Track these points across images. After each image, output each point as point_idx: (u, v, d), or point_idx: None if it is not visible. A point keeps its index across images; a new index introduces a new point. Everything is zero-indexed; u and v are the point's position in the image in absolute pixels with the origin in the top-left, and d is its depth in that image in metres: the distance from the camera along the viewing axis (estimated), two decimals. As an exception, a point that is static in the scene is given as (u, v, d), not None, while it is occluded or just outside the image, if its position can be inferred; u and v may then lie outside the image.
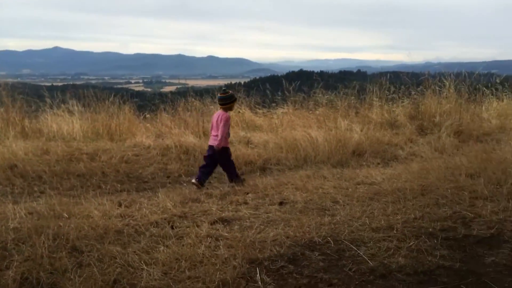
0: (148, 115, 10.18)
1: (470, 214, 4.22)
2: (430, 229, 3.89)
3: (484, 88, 11.74)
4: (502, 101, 11.63)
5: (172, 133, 8.48)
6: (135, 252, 3.51)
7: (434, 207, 4.46)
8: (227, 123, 5.78)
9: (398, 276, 3.11)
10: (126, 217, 4.44)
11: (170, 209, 4.70)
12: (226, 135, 5.79)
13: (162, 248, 3.61)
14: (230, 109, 6.16)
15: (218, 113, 5.98)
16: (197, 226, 4.17)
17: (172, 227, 4.17)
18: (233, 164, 6.05)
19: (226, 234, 3.92)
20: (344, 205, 4.69)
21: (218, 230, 4.05)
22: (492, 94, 11.76)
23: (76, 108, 9.33)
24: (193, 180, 5.79)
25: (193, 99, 9.95)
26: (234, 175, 5.95)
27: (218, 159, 5.86)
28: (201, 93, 10.80)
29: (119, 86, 37.63)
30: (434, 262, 3.27)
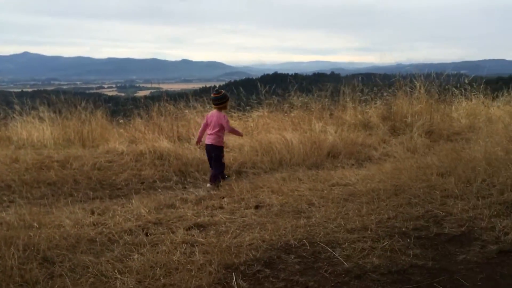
0: (121, 121, 10.03)
1: (441, 212, 4.31)
2: (403, 229, 3.95)
3: (454, 89, 12.05)
4: (471, 101, 11.95)
5: (146, 138, 8.36)
6: (108, 261, 3.44)
7: (407, 207, 4.54)
8: (228, 120, 6.08)
9: (373, 276, 3.14)
10: (99, 225, 4.35)
11: (144, 215, 4.63)
12: (223, 134, 6.06)
13: (136, 256, 3.56)
14: (225, 108, 6.33)
15: (213, 113, 6.10)
16: (172, 232, 4.13)
17: (146, 234, 4.11)
18: (223, 165, 6.16)
19: (202, 240, 3.90)
20: (319, 207, 4.72)
21: (193, 235, 4.02)
22: (461, 94, 12.08)
23: (46, 114, 9.11)
24: (208, 185, 6.06)
25: (167, 104, 9.86)
26: (218, 175, 6.02)
27: (213, 156, 6.01)
28: (175, 97, 10.71)
29: (92, 91, 37.05)
30: (407, 261, 3.32)
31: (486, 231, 3.81)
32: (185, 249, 3.70)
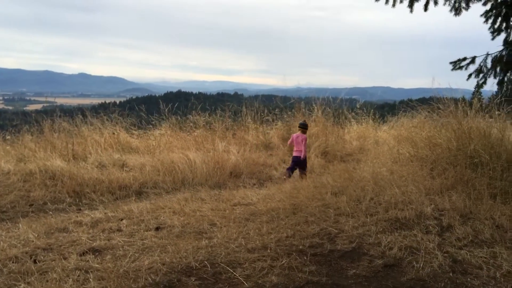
0: (8, 137, 9.19)
1: (335, 230, 4.58)
2: (301, 247, 4.13)
3: (347, 112, 13.01)
4: (362, 124, 12.98)
5: (37, 156, 7.76)
6: (-12, 293, 3.11)
7: (304, 225, 4.74)
8: (306, 141, 8.01)
9: (272, 294, 3.22)
10: (-22, 253, 3.92)
11: (32, 241, 4.29)
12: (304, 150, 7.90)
13: (22, 285, 3.28)
14: (306, 132, 8.18)
15: (297, 134, 7.98)
16: (64, 258, 3.87)
17: (34, 261, 3.80)
18: (306, 168, 7.90)
19: (97, 265, 3.69)
20: (221, 227, 4.74)
21: (88, 261, 3.80)
22: (353, 118, 13.08)
23: None
24: (285, 177, 7.61)
25: (61, 119, 9.26)
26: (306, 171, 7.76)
27: (303, 165, 7.84)
28: (71, 112, 10.12)
29: (-26, 103, 33.50)
30: (303, 278, 3.46)
31: (373, 246, 4.12)
32: (78, 276, 3.48)
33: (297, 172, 7.90)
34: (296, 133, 8.06)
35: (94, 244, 4.25)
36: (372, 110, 13.71)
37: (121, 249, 4.12)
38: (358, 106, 13.80)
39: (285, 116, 11.56)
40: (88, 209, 5.86)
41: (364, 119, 13.27)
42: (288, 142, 8.35)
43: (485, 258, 3.80)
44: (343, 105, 13.27)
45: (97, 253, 4.03)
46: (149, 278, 3.44)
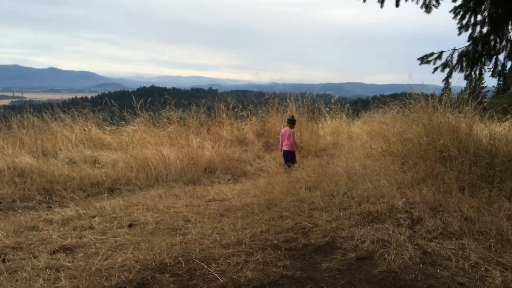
0: (-26, 133, 8.89)
1: (309, 224, 4.62)
2: (275, 241, 4.15)
3: (322, 108, 13.12)
4: (336, 120, 13.12)
5: (5, 153, 7.53)
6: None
7: (279, 220, 4.77)
8: (294, 135, 8.14)
9: (246, 289, 3.23)
10: None
11: (1, 240, 4.19)
12: (295, 143, 8.12)
13: (-11, 286, 3.16)
14: (294, 127, 8.34)
15: (285, 129, 8.10)
16: (34, 257, 3.78)
17: (3, 261, 3.72)
18: (295, 160, 8.08)
19: (69, 264, 3.62)
20: (195, 223, 4.72)
21: (59, 260, 3.72)
22: (327, 113, 13.20)
23: None
24: (287, 169, 7.68)
25: (30, 115, 9.01)
26: (294, 163, 7.91)
27: (290, 157, 7.96)
28: (41, 108, 9.85)
29: None
30: (278, 272, 3.48)
31: (346, 240, 4.18)
32: (49, 275, 3.40)
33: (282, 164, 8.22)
34: (284, 128, 8.23)
35: (65, 242, 4.17)
36: (347, 105, 13.88)
37: (93, 247, 4.05)
38: (333, 102, 13.95)
39: (259, 111, 11.57)
40: (58, 206, 5.73)
41: (338, 114, 13.42)
42: (280, 139, 8.44)
43: (454, 249, 3.90)
44: (317, 101, 13.38)
45: (68, 252, 3.95)
46: (122, 275, 3.39)
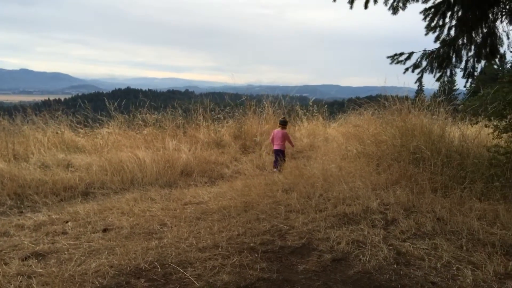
0: None
1: (285, 226, 4.64)
2: (252, 244, 4.15)
3: (299, 110, 13.22)
4: (312, 122, 13.23)
5: (-27, 157, 7.31)
6: None
7: (255, 222, 4.77)
8: (288, 135, 8.62)
9: (223, 293, 3.22)
10: None
11: (-31, 247, 4.03)
12: (291, 142, 8.70)
13: (-44, 296, 3.06)
14: (286, 128, 8.78)
15: (277, 130, 8.54)
16: (5, 264, 3.68)
17: (-29, 269, 3.57)
18: (284, 160, 8.29)
19: (41, 270, 3.53)
20: (171, 227, 4.68)
21: (31, 266, 3.63)
22: (304, 115, 13.30)
23: None
24: (274, 169, 8.02)
25: (1, 118, 8.78)
26: (283, 161, 8.14)
27: (280, 156, 8.24)
28: (11, 110, 9.61)
29: None
30: (254, 275, 3.48)
31: (323, 241, 4.21)
32: (20, 282, 3.31)
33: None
34: (276, 129, 8.64)
35: (37, 248, 4.07)
36: (325, 107, 14.02)
37: (66, 252, 3.97)
38: (310, 104, 14.07)
39: (236, 114, 11.56)
40: (30, 211, 5.59)
41: (314, 116, 13.53)
42: (270, 138, 8.91)
43: (427, 249, 3.98)
44: (293, 103, 13.47)
45: (40, 258, 3.86)
46: (96, 281, 3.33)
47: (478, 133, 7.03)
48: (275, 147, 8.45)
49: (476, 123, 7.83)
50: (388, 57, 6.95)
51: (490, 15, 6.65)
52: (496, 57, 6.74)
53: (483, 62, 7.06)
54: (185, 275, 3.48)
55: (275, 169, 8.04)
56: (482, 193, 5.40)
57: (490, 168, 5.79)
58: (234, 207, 5.32)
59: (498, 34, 6.70)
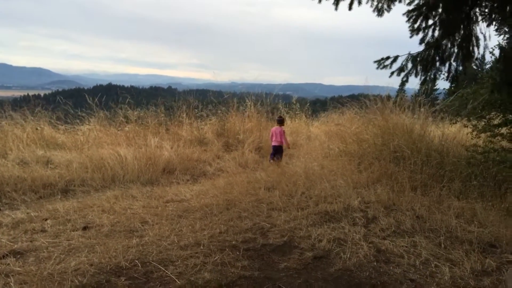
0: None
1: (267, 224, 4.65)
2: (234, 242, 4.15)
3: (282, 108, 13.25)
4: (295, 120, 13.28)
5: (-51, 153, 7.13)
6: None
7: (237, 220, 4.78)
8: (284, 133, 8.78)
9: (204, 291, 3.21)
10: None
11: None
12: (287, 141, 8.83)
13: None
14: (283, 125, 9.04)
15: (276, 127, 8.79)
16: (-18, 262, 3.60)
17: None
18: (282, 155, 8.65)
19: (19, 269, 3.47)
20: (153, 225, 4.65)
21: (8, 264, 3.58)
22: (287, 113, 13.35)
23: None
24: (271, 161, 8.40)
25: (-22, 113, 8.59)
26: (281, 157, 8.53)
27: (280, 152, 8.59)
28: (-11, 106, 9.40)
29: None
30: (236, 273, 3.48)
31: (304, 239, 4.24)
32: (-3, 281, 3.25)
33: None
34: (275, 127, 8.91)
35: (16, 246, 4.01)
36: (307, 105, 14.09)
37: (45, 250, 3.91)
38: (294, 102, 14.12)
39: (219, 111, 11.53)
40: (8, 209, 5.49)
41: (297, 114, 13.59)
42: (269, 136, 9.15)
43: (406, 247, 4.04)
44: (277, 101, 13.49)
45: (18, 256, 3.80)
46: (75, 280, 3.29)
47: (458, 132, 7.17)
48: (274, 143, 8.71)
49: (455, 123, 7.97)
50: (375, 61, 7.00)
51: (470, 17, 6.76)
52: (473, 57, 6.83)
53: (466, 64, 7.16)
54: (166, 273, 3.47)
55: (271, 161, 8.41)
56: (460, 192, 5.50)
57: (468, 167, 5.91)
58: (216, 205, 5.31)
59: (475, 35, 6.81)
